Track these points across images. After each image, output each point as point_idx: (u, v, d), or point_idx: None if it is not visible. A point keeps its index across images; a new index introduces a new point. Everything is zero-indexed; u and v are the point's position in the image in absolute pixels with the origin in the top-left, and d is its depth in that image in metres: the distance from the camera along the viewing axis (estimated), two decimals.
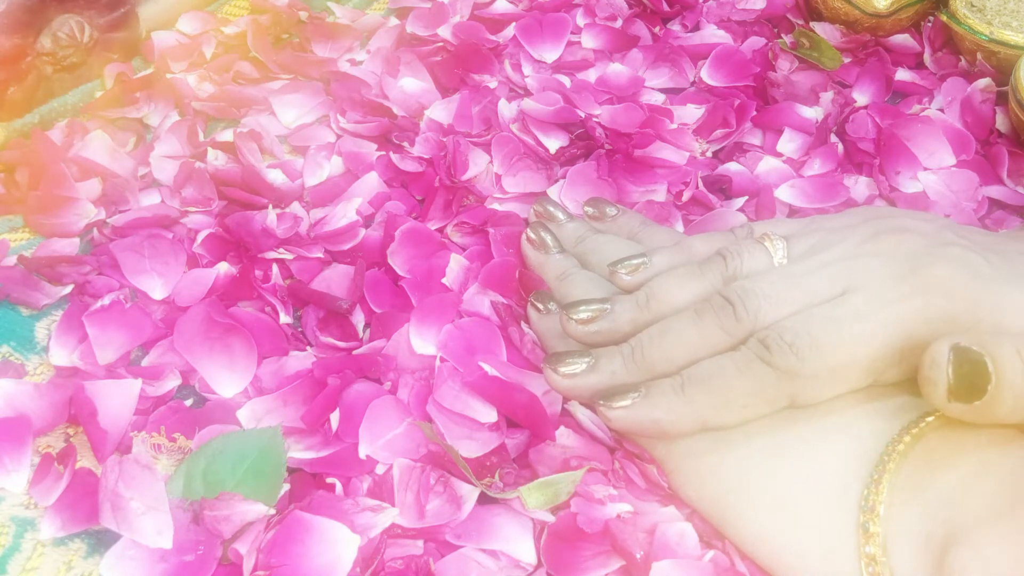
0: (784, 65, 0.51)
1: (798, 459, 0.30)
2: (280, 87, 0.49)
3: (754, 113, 0.48)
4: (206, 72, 0.50)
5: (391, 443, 0.33)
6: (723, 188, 0.45)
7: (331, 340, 0.37)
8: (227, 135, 0.46)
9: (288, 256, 0.40)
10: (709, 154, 0.47)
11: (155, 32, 0.51)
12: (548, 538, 0.31)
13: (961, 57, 0.52)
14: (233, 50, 0.52)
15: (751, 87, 0.50)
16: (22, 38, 0.44)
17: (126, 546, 0.30)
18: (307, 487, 0.32)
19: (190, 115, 0.47)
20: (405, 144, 0.46)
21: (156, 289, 0.39)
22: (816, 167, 0.46)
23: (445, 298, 0.38)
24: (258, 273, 0.39)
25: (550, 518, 0.31)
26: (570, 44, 0.53)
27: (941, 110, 0.49)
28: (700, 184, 0.44)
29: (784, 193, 0.44)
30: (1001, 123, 0.48)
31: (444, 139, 0.45)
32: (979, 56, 0.50)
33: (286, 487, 0.32)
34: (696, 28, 0.55)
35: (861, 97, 0.50)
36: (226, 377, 0.36)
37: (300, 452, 0.33)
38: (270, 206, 0.42)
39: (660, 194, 0.44)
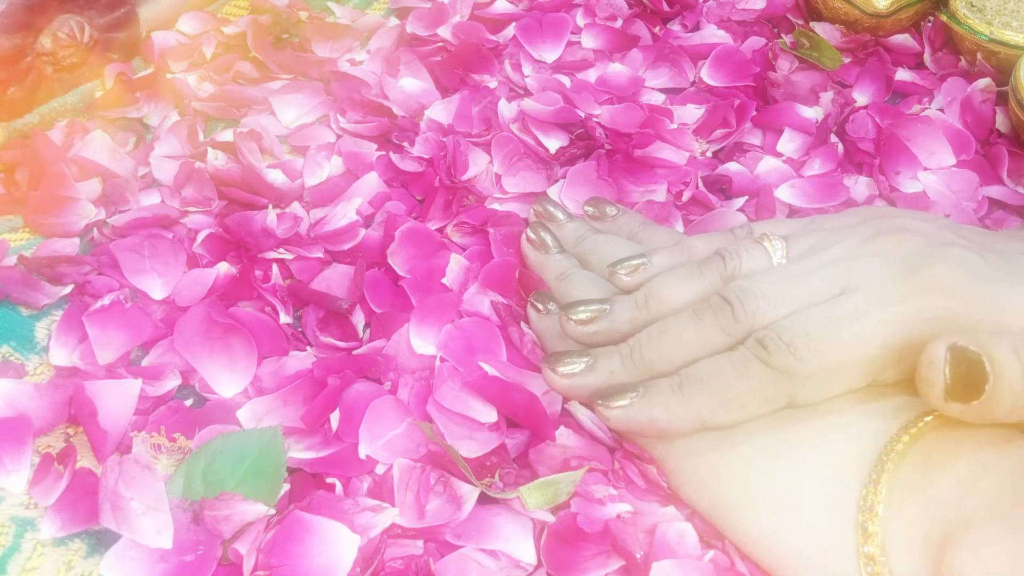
0: (784, 65, 0.51)
1: (797, 459, 0.30)
2: (280, 87, 0.49)
3: (754, 113, 0.48)
4: (206, 72, 0.50)
5: (391, 443, 0.33)
6: (723, 188, 0.45)
7: (331, 340, 0.37)
8: (227, 135, 0.46)
9: (288, 256, 0.40)
10: (709, 154, 0.47)
11: (155, 32, 0.51)
12: (548, 538, 0.31)
13: (961, 57, 0.52)
14: (233, 50, 0.52)
15: (751, 87, 0.50)
16: (22, 38, 0.44)
17: (126, 546, 0.30)
18: (307, 487, 0.32)
19: (190, 115, 0.47)
20: (405, 144, 0.46)
21: (156, 289, 0.39)
22: (816, 167, 0.46)
23: (445, 298, 0.38)
24: (258, 273, 0.39)
25: (550, 518, 0.31)
26: (570, 44, 0.53)
27: (941, 110, 0.49)
28: (700, 184, 0.44)
29: (784, 193, 0.44)
30: (1001, 123, 0.48)
31: (444, 139, 0.45)
32: (979, 56, 0.50)
33: (286, 487, 0.32)
34: (696, 28, 0.55)
35: (861, 97, 0.50)
36: (226, 377, 0.36)
37: (300, 452, 0.33)
38: (270, 206, 0.42)
39: (660, 194, 0.44)
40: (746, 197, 0.44)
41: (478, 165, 0.44)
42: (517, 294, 0.38)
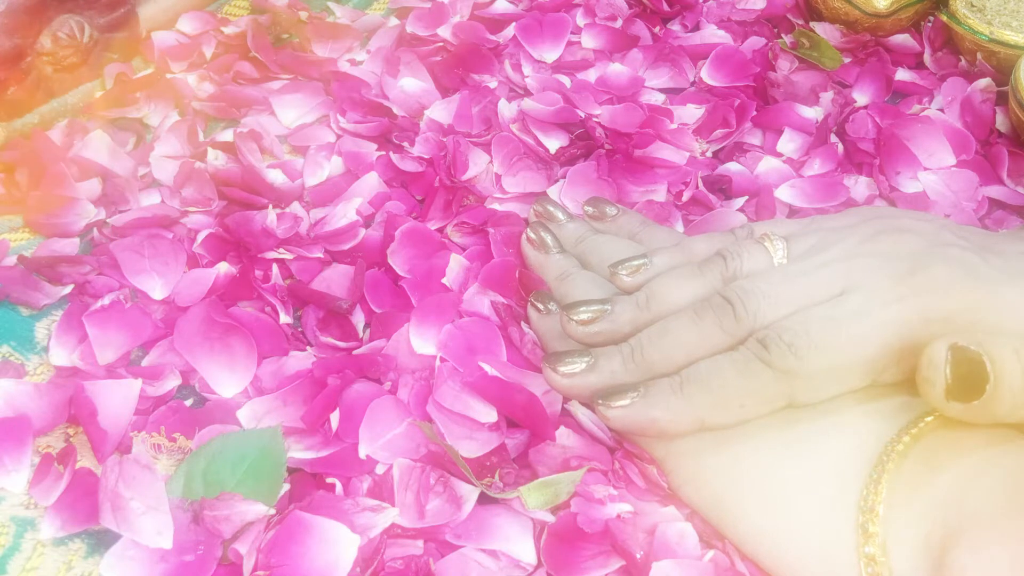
0: (784, 65, 0.51)
1: (797, 459, 0.30)
2: (280, 87, 0.49)
3: (754, 113, 0.48)
4: (206, 72, 0.50)
5: (391, 443, 0.33)
6: (723, 188, 0.45)
7: (331, 340, 0.37)
8: (227, 135, 0.46)
9: (288, 256, 0.40)
10: (709, 154, 0.47)
11: (155, 32, 0.51)
12: (548, 538, 0.31)
13: (961, 57, 0.52)
14: (233, 50, 0.52)
15: (751, 87, 0.50)
16: (22, 38, 0.44)
17: (126, 546, 0.30)
18: (307, 487, 0.32)
19: (190, 115, 0.47)
20: (405, 144, 0.46)
21: (156, 289, 0.39)
22: (816, 167, 0.46)
23: (445, 298, 0.38)
24: (258, 273, 0.39)
25: (550, 518, 0.31)
26: (570, 44, 0.53)
27: (941, 110, 0.49)
28: (700, 184, 0.44)
29: (784, 193, 0.44)
30: (1001, 123, 0.48)
31: (444, 139, 0.45)
32: (979, 56, 0.50)
33: (286, 487, 0.32)
34: (696, 28, 0.55)
35: (861, 97, 0.50)
36: (226, 377, 0.36)
37: (300, 452, 0.33)
38: (270, 206, 0.42)
39: (660, 194, 0.44)
40: (746, 197, 0.44)
41: (478, 165, 0.44)
42: (517, 294, 0.38)
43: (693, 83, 0.52)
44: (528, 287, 0.38)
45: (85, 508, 0.32)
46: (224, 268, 0.39)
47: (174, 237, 0.41)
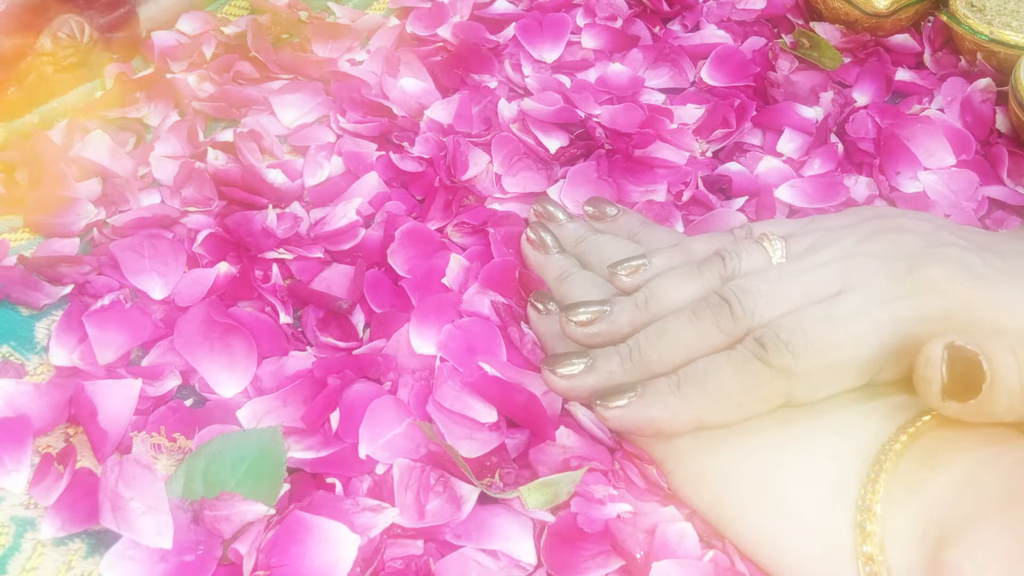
0: (784, 65, 0.51)
1: (795, 458, 0.30)
2: (280, 87, 0.49)
3: (754, 113, 0.48)
4: (206, 72, 0.50)
5: (391, 443, 0.33)
6: (723, 188, 0.45)
7: (331, 340, 0.37)
8: (227, 135, 0.46)
9: (288, 256, 0.40)
10: (709, 154, 0.47)
11: (155, 32, 0.51)
12: (548, 538, 0.31)
13: (961, 57, 0.52)
14: (233, 50, 0.52)
15: (751, 87, 0.50)
16: (22, 38, 0.44)
17: (126, 546, 0.30)
18: (307, 487, 0.32)
19: (190, 115, 0.48)
20: (405, 144, 0.46)
21: (156, 289, 0.39)
22: (816, 167, 0.46)
23: (445, 298, 0.38)
24: (258, 273, 0.39)
25: (550, 518, 0.31)
26: (570, 44, 0.53)
27: (941, 110, 0.49)
28: (700, 184, 0.44)
29: (784, 193, 0.44)
30: (1001, 123, 0.48)
31: (444, 139, 0.45)
32: (979, 56, 0.50)
33: (286, 487, 0.32)
34: (696, 28, 0.55)
35: (861, 97, 0.50)
36: (226, 377, 0.36)
37: (300, 452, 0.33)
38: (270, 206, 0.42)
39: (660, 194, 0.44)
40: (746, 197, 0.44)
41: (478, 165, 0.44)
42: (517, 294, 0.38)
43: (693, 83, 0.52)
44: (528, 287, 0.38)
45: (85, 508, 0.32)
46: (224, 268, 0.39)
47: (174, 237, 0.41)
